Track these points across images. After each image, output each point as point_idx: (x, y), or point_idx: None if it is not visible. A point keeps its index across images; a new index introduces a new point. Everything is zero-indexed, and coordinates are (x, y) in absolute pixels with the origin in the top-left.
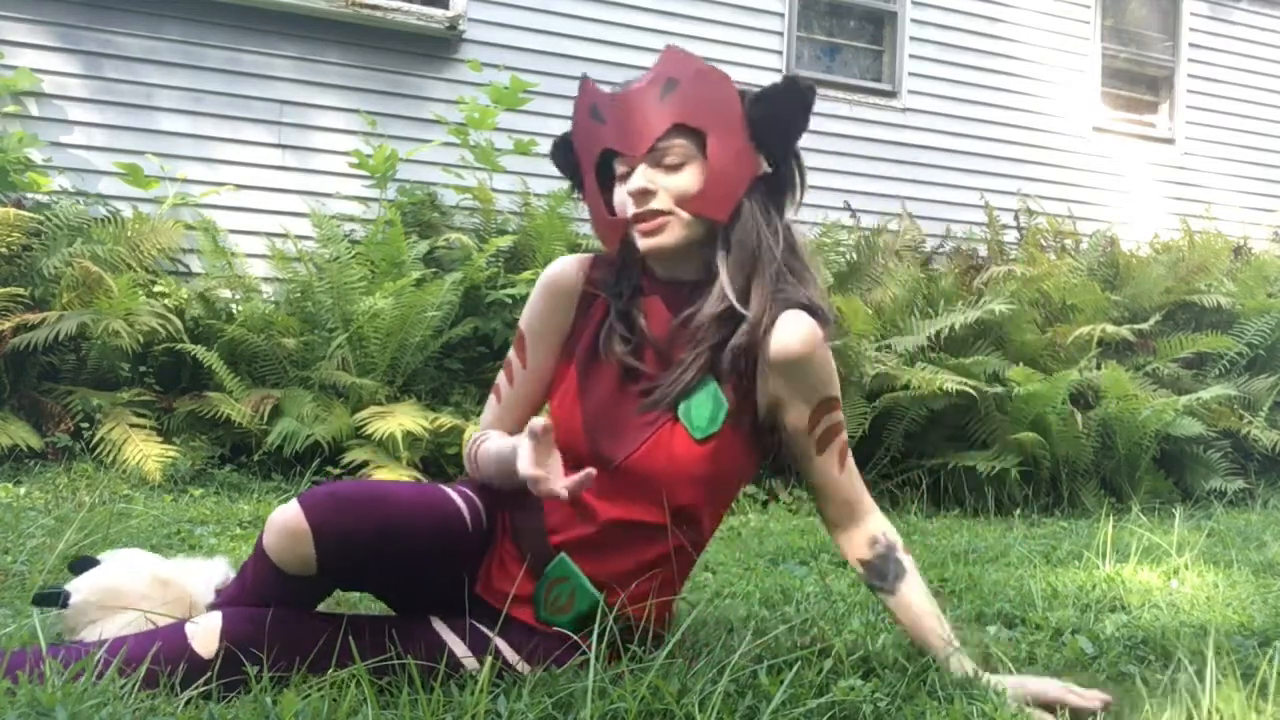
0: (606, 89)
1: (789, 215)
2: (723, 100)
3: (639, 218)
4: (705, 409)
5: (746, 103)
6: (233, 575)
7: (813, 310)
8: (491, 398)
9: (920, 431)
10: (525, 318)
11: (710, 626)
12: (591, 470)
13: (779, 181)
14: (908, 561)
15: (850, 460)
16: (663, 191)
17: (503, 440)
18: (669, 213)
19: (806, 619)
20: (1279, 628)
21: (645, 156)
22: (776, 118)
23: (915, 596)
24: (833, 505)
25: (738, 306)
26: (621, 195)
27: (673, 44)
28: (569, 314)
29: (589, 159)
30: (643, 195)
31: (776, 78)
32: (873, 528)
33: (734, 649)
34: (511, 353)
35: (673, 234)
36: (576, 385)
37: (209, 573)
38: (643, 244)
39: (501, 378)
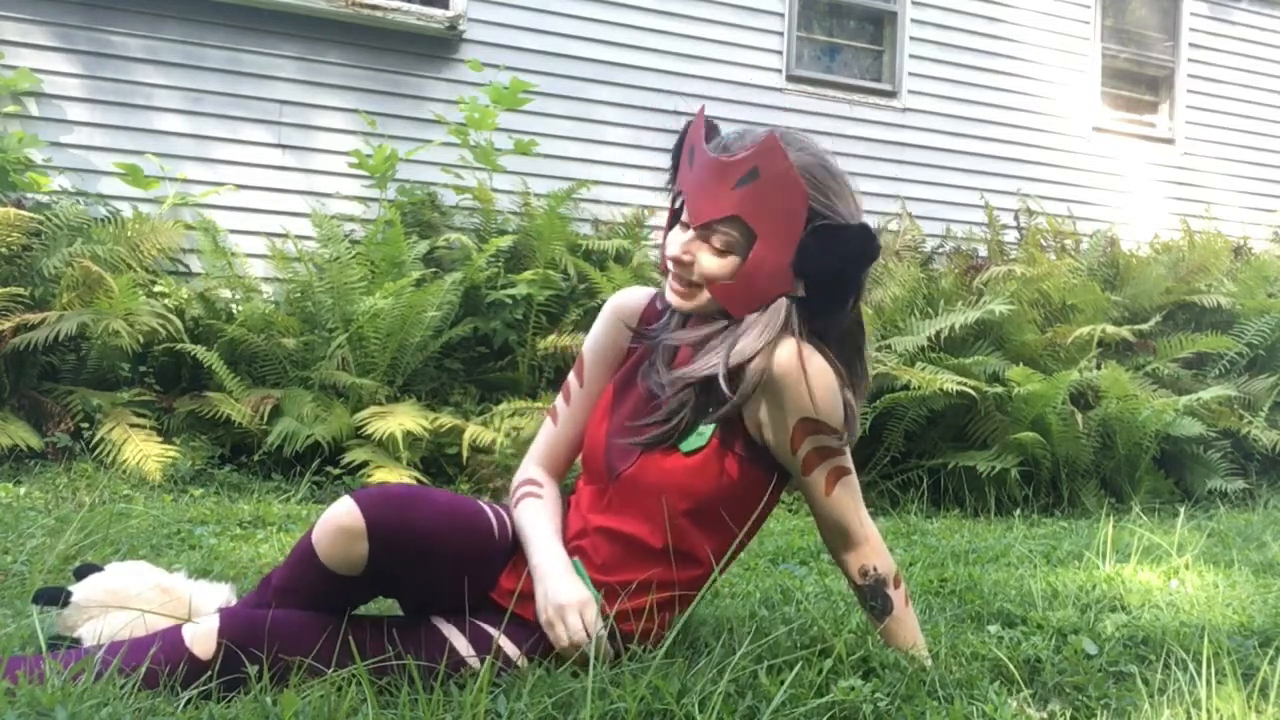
0: (708, 145)
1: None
2: (789, 213)
3: (674, 275)
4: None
5: (807, 229)
6: (235, 601)
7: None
8: (547, 420)
9: (920, 431)
10: (588, 340)
11: (710, 626)
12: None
13: (812, 307)
14: (897, 597)
15: (844, 487)
16: (696, 267)
17: (536, 524)
18: (697, 285)
19: (806, 619)
20: (1279, 628)
21: (697, 229)
22: (824, 258)
23: (898, 635)
24: (824, 528)
25: (723, 384)
26: (673, 242)
27: (778, 130)
28: (627, 340)
29: (677, 187)
30: (678, 263)
31: (777, 77)
32: (865, 559)
33: (734, 649)
34: (570, 375)
35: (695, 303)
36: (610, 401)
37: (213, 593)
38: (669, 298)
39: (559, 400)
